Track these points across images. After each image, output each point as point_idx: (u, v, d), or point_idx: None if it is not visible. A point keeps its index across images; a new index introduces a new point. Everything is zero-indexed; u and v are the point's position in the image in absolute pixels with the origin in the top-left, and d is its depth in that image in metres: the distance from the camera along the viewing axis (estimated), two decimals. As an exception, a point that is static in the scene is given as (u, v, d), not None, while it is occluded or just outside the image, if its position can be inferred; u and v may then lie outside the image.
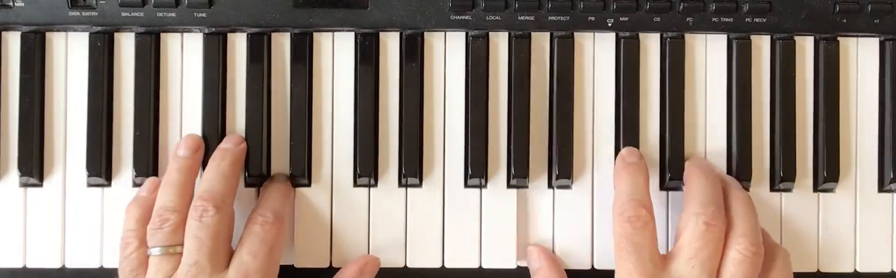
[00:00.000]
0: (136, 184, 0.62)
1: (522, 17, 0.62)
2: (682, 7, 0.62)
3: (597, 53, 0.63)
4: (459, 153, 0.63)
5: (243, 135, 0.62)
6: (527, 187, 0.63)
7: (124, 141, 0.62)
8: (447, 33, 0.63)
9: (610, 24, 0.62)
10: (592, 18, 0.62)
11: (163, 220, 0.58)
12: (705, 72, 0.63)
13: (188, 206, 0.58)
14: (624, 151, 0.62)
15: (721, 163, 0.63)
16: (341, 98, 0.63)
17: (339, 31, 0.63)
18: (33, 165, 0.61)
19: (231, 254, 0.58)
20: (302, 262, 0.62)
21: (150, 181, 0.61)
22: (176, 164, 0.60)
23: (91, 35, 0.62)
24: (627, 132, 0.62)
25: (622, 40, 0.63)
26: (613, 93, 0.63)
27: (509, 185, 0.63)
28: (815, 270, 0.63)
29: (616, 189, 0.60)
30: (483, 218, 0.62)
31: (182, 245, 0.57)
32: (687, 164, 0.61)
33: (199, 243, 0.56)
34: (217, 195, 0.58)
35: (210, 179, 0.59)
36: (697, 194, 0.59)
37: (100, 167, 0.61)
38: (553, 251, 0.62)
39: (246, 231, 0.58)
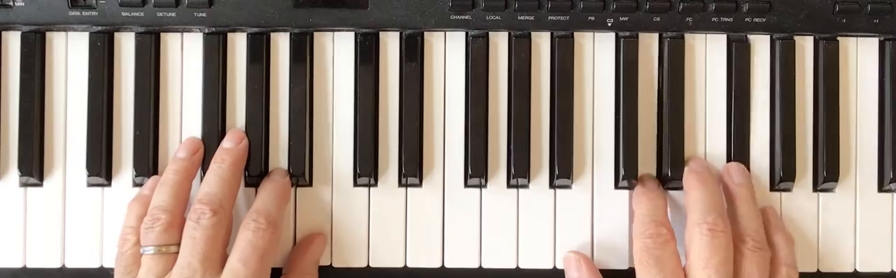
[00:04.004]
0: (136, 184, 0.62)
1: (522, 17, 0.62)
2: (681, 7, 0.62)
3: (597, 53, 0.63)
4: (459, 153, 0.63)
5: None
6: (527, 187, 0.62)
7: (124, 141, 0.62)
8: (447, 33, 0.63)
9: (610, 24, 0.62)
10: (592, 18, 0.62)
11: (154, 220, 0.58)
12: (705, 72, 0.63)
13: (182, 207, 0.59)
14: (644, 176, 0.62)
15: (721, 163, 0.63)
16: (341, 98, 0.63)
17: (339, 30, 0.63)
18: (33, 165, 0.61)
19: (226, 258, 0.58)
20: (302, 262, 0.62)
21: (152, 179, 0.61)
22: (173, 165, 0.60)
23: (91, 35, 0.62)
24: (627, 132, 0.62)
25: (622, 40, 0.63)
26: (613, 93, 0.63)
27: (509, 185, 0.63)
28: (814, 270, 0.63)
29: (636, 212, 0.61)
30: (483, 218, 0.62)
31: (174, 245, 0.57)
32: (685, 171, 0.61)
33: (194, 244, 0.56)
34: (216, 199, 0.58)
35: (210, 182, 0.59)
36: (697, 203, 0.59)
37: (100, 167, 0.61)
38: (553, 250, 0.62)
39: (239, 236, 0.58)
